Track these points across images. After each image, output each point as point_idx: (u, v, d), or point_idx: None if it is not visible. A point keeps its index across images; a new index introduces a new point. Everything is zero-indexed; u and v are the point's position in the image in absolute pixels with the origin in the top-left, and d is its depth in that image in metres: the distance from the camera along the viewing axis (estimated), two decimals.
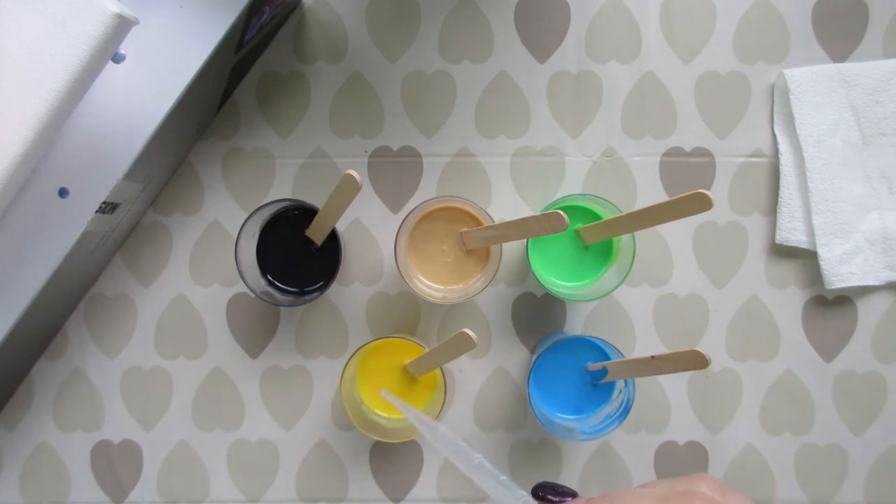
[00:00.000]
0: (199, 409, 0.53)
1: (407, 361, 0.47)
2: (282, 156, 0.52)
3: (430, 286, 0.48)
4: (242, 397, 0.53)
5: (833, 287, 0.51)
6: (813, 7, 0.52)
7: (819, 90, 0.51)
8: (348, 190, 0.40)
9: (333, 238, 0.47)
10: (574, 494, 0.36)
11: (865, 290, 0.52)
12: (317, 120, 0.52)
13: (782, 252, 0.52)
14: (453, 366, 0.52)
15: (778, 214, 0.51)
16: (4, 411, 0.52)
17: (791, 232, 0.51)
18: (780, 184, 0.51)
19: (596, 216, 0.47)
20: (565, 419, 0.48)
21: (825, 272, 0.51)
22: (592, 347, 0.48)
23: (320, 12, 0.52)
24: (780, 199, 0.51)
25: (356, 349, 0.46)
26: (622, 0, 0.52)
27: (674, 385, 0.52)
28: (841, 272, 0.51)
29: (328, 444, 0.53)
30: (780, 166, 0.51)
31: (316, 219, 0.45)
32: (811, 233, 0.51)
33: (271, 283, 0.48)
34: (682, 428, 0.52)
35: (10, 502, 0.52)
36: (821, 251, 0.51)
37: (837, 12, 0.52)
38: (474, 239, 0.46)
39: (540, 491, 0.36)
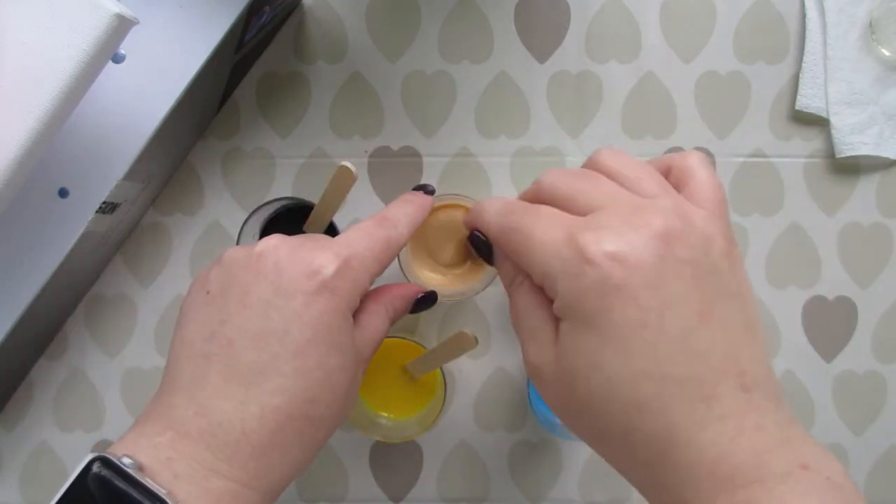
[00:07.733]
0: None
1: (407, 362, 0.47)
2: (282, 156, 0.52)
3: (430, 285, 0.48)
4: None
5: (843, 155, 0.51)
6: None
7: None
8: (344, 182, 0.40)
9: (334, 237, 0.46)
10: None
11: (865, 290, 0.52)
12: (317, 120, 0.52)
13: (782, 252, 0.52)
14: (453, 366, 0.52)
15: (800, 80, 0.51)
16: (4, 411, 0.52)
17: (812, 98, 0.51)
18: (805, 48, 0.51)
19: None
20: None
21: (836, 140, 0.51)
22: None
23: (320, 12, 0.52)
24: (803, 65, 0.51)
25: None
26: (622, 0, 0.52)
27: None
28: (851, 141, 0.51)
29: (328, 444, 0.52)
30: (806, 31, 0.51)
31: (313, 213, 0.45)
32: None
33: None
34: None
35: (10, 502, 0.52)
36: (833, 119, 0.51)
37: None
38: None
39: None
